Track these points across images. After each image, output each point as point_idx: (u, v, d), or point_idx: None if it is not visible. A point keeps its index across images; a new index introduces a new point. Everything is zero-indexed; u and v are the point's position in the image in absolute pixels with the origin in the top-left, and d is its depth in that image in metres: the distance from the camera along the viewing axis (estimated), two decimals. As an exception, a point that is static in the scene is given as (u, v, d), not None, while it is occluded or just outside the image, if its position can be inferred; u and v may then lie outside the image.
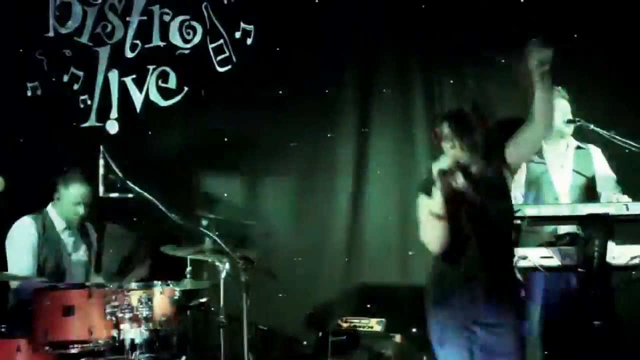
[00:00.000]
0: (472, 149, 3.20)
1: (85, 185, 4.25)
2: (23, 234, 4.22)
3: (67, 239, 4.34)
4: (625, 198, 4.07)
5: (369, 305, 4.86)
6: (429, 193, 3.20)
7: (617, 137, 4.05)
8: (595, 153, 4.29)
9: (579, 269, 3.60)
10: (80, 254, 4.39)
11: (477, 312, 3.14)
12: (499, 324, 3.14)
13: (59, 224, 4.31)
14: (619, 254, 3.75)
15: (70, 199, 4.25)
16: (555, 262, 3.79)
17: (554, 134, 4.26)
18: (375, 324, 4.51)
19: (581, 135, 4.24)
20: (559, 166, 4.27)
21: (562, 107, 4.25)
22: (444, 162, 3.13)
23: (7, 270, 4.14)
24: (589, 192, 4.21)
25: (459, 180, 3.16)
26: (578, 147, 4.29)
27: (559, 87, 4.30)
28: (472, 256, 3.15)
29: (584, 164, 4.26)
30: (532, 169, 4.27)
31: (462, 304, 3.14)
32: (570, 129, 4.26)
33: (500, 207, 3.24)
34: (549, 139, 4.28)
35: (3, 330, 3.73)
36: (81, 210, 4.27)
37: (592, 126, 4.15)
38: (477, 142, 3.22)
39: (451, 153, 3.18)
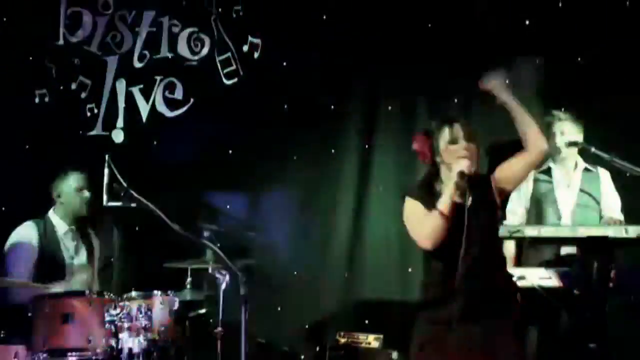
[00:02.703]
0: (478, 155, 3.21)
1: (80, 173, 4.35)
2: (24, 238, 4.24)
3: (69, 243, 4.36)
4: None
5: (367, 321, 4.87)
6: (418, 197, 3.23)
7: (617, 160, 4.07)
8: (604, 176, 4.30)
9: (577, 291, 3.60)
10: (82, 259, 4.41)
11: (472, 310, 3.08)
12: (495, 316, 3.09)
13: (61, 228, 4.33)
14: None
15: (72, 188, 4.32)
16: (553, 282, 3.80)
17: (561, 156, 4.28)
18: (373, 340, 4.51)
19: (592, 158, 4.24)
20: (565, 186, 4.29)
21: (566, 130, 4.27)
22: (465, 165, 3.12)
23: (6, 275, 4.16)
24: (595, 213, 4.23)
25: (468, 186, 3.13)
26: (586, 169, 4.31)
27: (562, 110, 4.33)
28: (469, 258, 3.09)
29: (592, 185, 4.28)
30: (539, 186, 4.31)
31: (456, 300, 3.08)
32: (572, 150, 4.28)
33: (493, 218, 3.28)
34: (557, 160, 4.31)
35: (2, 335, 3.75)
36: (86, 194, 4.32)
37: (593, 149, 4.17)
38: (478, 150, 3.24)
39: (461, 159, 3.15)
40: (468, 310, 3.08)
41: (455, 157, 3.18)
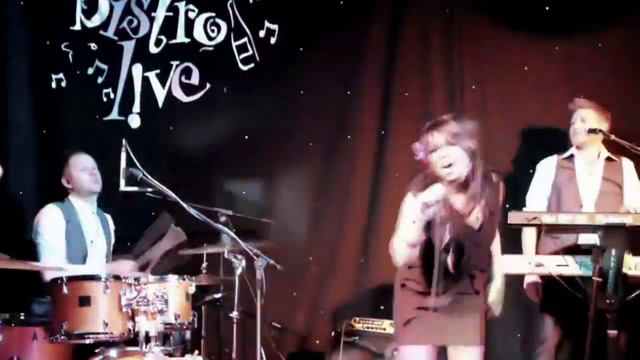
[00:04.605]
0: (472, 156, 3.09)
1: (83, 153, 4.36)
2: (51, 221, 4.26)
3: (89, 226, 4.39)
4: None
5: (382, 307, 4.87)
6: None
7: (638, 147, 4.03)
8: (627, 165, 4.26)
9: (595, 279, 3.58)
10: (101, 242, 4.44)
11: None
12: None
13: (81, 211, 4.35)
14: (635, 264, 3.74)
15: (77, 168, 4.32)
16: (571, 270, 3.78)
17: (583, 143, 4.24)
18: (388, 326, 4.51)
19: (615, 147, 4.20)
20: (587, 173, 4.25)
21: (587, 117, 4.22)
22: (431, 194, 3.03)
23: (37, 259, 4.17)
24: (619, 200, 4.19)
25: (442, 211, 3.09)
26: (609, 158, 4.27)
27: (584, 98, 4.28)
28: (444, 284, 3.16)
29: (614, 174, 4.24)
30: (560, 173, 4.26)
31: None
32: (595, 139, 4.21)
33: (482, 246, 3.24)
34: (579, 147, 4.27)
35: (21, 318, 3.78)
36: (97, 173, 4.33)
37: (612, 136, 4.13)
38: (476, 154, 3.11)
39: (444, 169, 3.06)
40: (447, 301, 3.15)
41: (439, 168, 3.08)
